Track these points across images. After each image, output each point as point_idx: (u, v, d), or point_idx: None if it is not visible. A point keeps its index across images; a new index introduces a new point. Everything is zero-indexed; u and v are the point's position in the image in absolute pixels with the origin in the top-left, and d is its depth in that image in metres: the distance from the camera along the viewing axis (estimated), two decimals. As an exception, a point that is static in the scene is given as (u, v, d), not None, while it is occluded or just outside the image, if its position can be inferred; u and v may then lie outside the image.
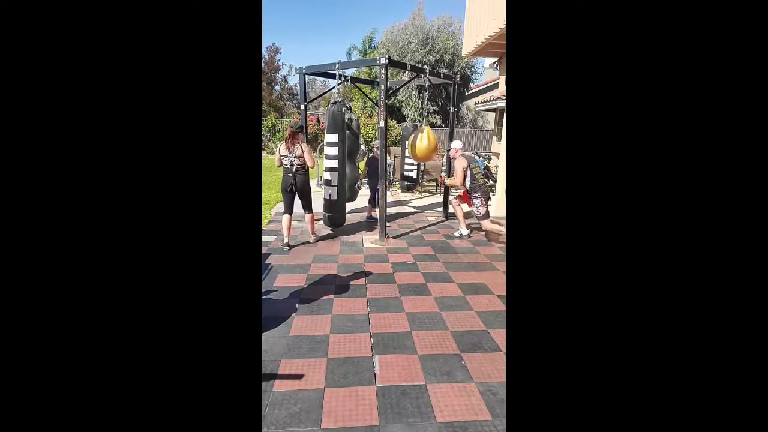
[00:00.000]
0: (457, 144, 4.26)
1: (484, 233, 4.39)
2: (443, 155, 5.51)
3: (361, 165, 5.44)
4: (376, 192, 4.88)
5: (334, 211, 4.20)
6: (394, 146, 7.64)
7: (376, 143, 4.91)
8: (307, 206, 3.91)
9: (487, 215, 4.07)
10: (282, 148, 3.72)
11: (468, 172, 4.06)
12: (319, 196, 4.19)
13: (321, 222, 4.40)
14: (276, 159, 3.80)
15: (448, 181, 4.43)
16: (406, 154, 5.23)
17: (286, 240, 3.83)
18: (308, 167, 3.75)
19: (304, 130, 3.96)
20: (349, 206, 5.01)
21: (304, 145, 3.73)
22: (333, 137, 3.99)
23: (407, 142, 5.02)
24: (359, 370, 1.98)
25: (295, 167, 3.68)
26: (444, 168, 4.54)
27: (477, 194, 4.04)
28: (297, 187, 3.72)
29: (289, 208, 3.81)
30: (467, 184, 4.08)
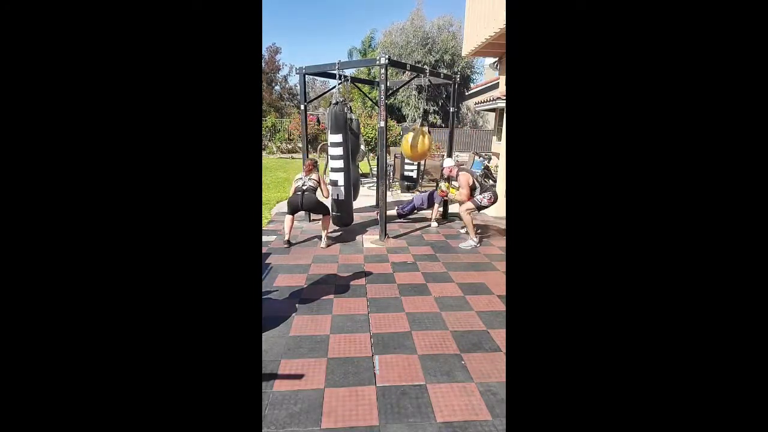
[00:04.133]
0: (448, 162, 4.15)
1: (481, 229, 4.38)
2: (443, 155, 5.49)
3: (362, 165, 5.44)
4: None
5: (342, 211, 4.21)
6: (394, 146, 7.64)
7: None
8: (325, 213, 3.97)
9: (478, 209, 4.02)
10: (298, 176, 3.99)
11: (474, 182, 4.00)
12: (327, 200, 4.20)
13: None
14: (291, 189, 3.98)
15: (454, 195, 4.20)
16: None
17: (286, 238, 3.88)
18: (319, 189, 3.95)
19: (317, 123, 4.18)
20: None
21: (322, 177, 3.98)
22: (337, 137, 3.99)
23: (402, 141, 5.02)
24: (359, 370, 1.97)
25: (306, 186, 3.83)
26: (443, 177, 4.37)
27: (488, 194, 4.00)
28: (303, 204, 3.83)
29: (292, 212, 3.91)
30: (476, 194, 4.01)
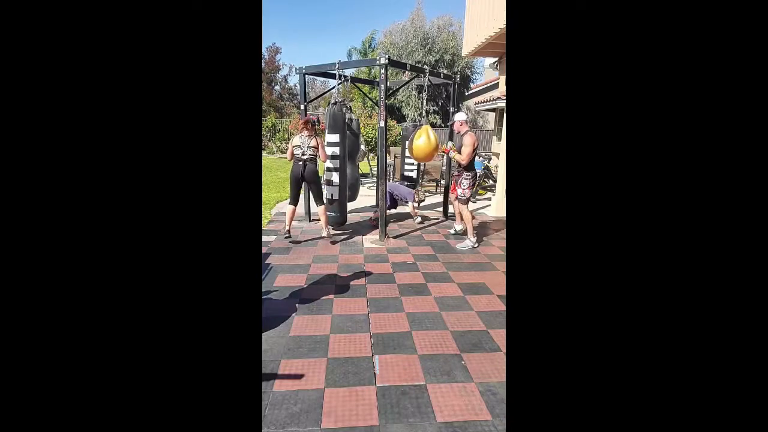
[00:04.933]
0: (461, 116, 3.97)
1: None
2: (443, 155, 5.48)
3: (362, 165, 5.44)
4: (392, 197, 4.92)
5: (336, 211, 4.23)
6: (394, 146, 7.64)
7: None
8: (318, 197, 3.93)
9: (469, 200, 4.02)
10: (296, 139, 3.83)
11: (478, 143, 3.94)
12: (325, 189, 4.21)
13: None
14: (288, 151, 3.88)
15: (454, 155, 4.01)
16: (407, 154, 5.22)
17: (287, 228, 3.89)
18: (319, 159, 3.86)
19: (316, 124, 4.04)
20: (349, 206, 5.02)
21: (319, 139, 3.86)
22: (334, 137, 4.02)
23: (407, 141, 5.00)
24: (359, 370, 1.98)
25: (306, 156, 3.76)
26: (452, 145, 4.30)
27: (469, 174, 3.91)
28: (305, 175, 3.78)
29: (294, 200, 3.90)
30: (458, 188, 3.98)
